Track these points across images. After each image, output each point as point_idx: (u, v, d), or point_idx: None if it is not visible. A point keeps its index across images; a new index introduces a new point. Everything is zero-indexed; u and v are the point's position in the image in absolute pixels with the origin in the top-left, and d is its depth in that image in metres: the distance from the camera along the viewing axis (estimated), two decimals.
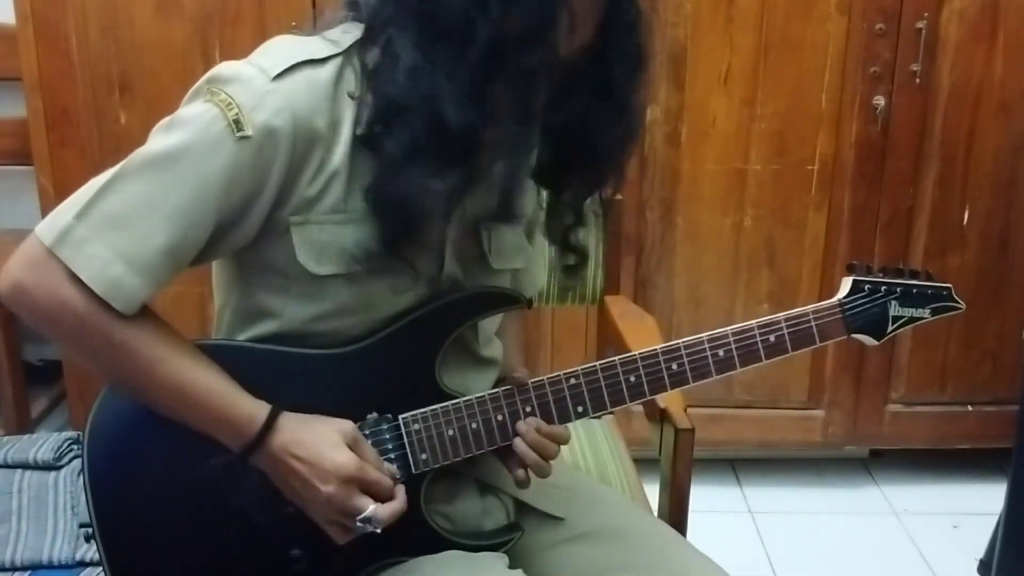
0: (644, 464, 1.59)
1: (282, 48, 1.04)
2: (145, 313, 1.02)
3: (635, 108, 1.13)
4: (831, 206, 2.30)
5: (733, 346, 1.17)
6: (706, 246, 2.33)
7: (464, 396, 1.13)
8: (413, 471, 1.11)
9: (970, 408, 2.43)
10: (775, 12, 2.18)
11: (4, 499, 1.88)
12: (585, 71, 1.07)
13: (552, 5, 0.98)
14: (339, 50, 1.04)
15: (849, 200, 2.28)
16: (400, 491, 1.08)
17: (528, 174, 1.15)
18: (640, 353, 1.16)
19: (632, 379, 1.16)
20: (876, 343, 1.23)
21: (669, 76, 2.22)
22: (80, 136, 2.22)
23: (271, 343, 1.10)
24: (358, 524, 1.04)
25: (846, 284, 1.23)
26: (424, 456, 1.12)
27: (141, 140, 1.02)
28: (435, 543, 1.13)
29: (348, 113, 1.03)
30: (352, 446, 1.06)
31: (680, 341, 1.17)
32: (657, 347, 1.17)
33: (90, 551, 1.81)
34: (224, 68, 1.03)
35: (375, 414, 1.11)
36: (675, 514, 1.36)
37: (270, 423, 1.04)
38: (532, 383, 1.15)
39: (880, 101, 2.22)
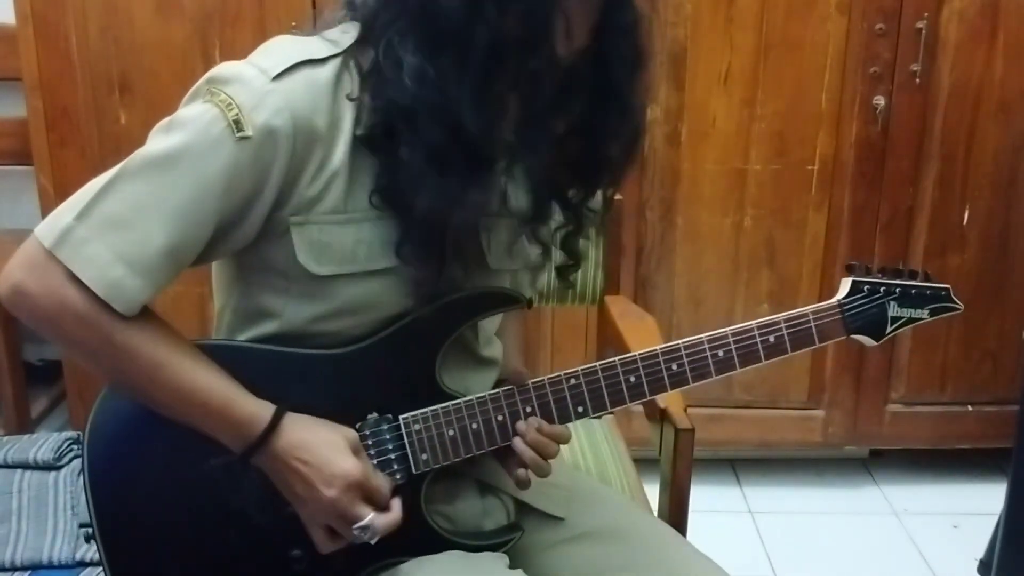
0: (644, 464, 1.59)
1: (282, 48, 1.04)
2: (146, 314, 1.02)
3: (636, 110, 1.14)
4: (831, 206, 2.30)
5: (733, 346, 1.17)
6: (706, 246, 2.33)
7: (464, 396, 1.13)
8: (414, 471, 1.11)
9: (970, 408, 2.43)
10: (775, 12, 2.18)
11: (4, 499, 1.88)
12: (585, 74, 1.07)
13: (545, 7, 0.98)
14: (339, 50, 1.04)
15: (849, 200, 2.28)
16: (396, 503, 1.08)
17: (543, 174, 1.15)
18: (640, 353, 1.17)
19: (632, 379, 1.16)
20: (875, 343, 1.24)
21: (669, 76, 2.21)
22: (80, 136, 2.22)
23: (271, 343, 1.09)
24: (355, 532, 1.04)
25: (845, 285, 1.23)
26: (425, 456, 1.12)
27: (141, 140, 1.02)
28: (435, 543, 1.13)
29: (348, 113, 1.03)
30: (355, 453, 1.06)
31: (680, 341, 1.17)
32: (657, 347, 1.17)
33: (90, 551, 1.81)
34: (224, 68, 1.03)
35: (375, 414, 1.11)
36: (675, 514, 1.36)
37: (274, 424, 1.04)
38: (532, 383, 1.15)
39: (880, 101, 2.21)
